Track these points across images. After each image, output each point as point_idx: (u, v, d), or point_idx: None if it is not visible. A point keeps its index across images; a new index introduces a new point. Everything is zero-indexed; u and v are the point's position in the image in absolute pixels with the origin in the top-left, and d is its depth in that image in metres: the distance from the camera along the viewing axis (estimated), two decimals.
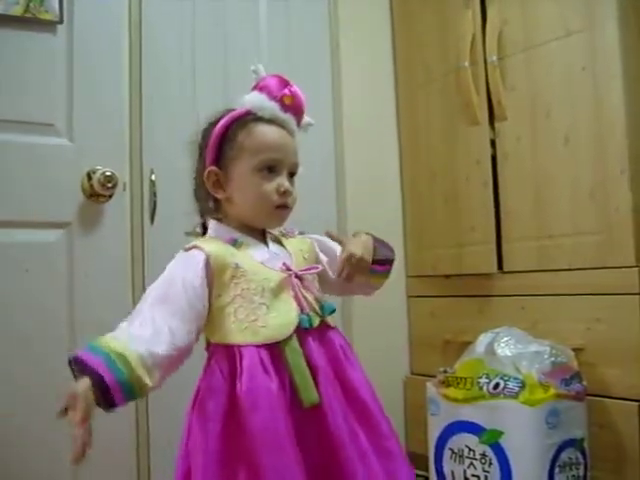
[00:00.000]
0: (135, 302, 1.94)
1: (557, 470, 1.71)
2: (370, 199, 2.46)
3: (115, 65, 1.98)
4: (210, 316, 1.20)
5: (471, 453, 1.80)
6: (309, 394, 1.16)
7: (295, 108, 1.30)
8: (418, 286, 2.51)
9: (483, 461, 1.77)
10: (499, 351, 1.84)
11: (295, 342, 1.19)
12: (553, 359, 1.82)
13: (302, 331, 1.20)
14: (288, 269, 1.24)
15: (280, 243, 1.33)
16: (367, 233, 1.35)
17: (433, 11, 2.44)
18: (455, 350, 2.14)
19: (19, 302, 1.78)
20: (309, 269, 1.28)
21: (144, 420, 1.97)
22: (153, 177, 2.01)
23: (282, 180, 1.25)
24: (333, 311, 1.28)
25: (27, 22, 1.82)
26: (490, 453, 1.75)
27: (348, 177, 2.44)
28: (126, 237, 1.98)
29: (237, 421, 1.13)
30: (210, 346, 1.23)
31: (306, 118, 1.34)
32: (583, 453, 1.78)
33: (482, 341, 1.91)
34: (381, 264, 1.35)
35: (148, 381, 1.08)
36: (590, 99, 1.95)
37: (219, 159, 1.28)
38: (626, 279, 1.84)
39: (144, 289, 1.94)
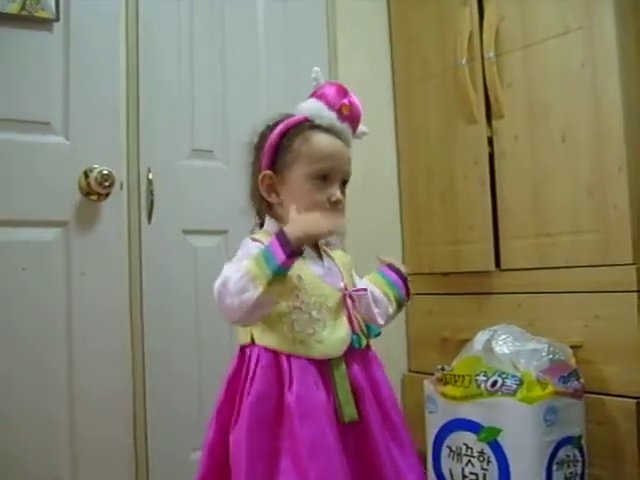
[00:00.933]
0: (132, 301, 1.98)
1: (555, 467, 1.71)
2: (368, 197, 2.44)
3: (112, 63, 1.97)
4: (265, 318, 1.22)
5: (469, 451, 1.80)
6: (350, 411, 1.20)
7: (352, 118, 1.32)
8: (416, 284, 2.45)
9: (481, 459, 1.77)
10: (497, 349, 1.84)
11: (342, 360, 1.23)
12: (551, 356, 1.82)
13: (348, 349, 1.25)
14: (345, 288, 1.29)
15: (328, 254, 1.36)
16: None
17: (430, 8, 2.43)
18: (453, 348, 2.14)
19: (16, 301, 1.78)
20: (360, 290, 1.33)
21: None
22: (150, 176, 2.01)
23: (334, 190, 1.28)
24: (379, 334, 1.33)
25: (23, 20, 1.81)
26: (488, 451, 1.75)
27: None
28: (123, 236, 1.97)
29: (285, 429, 1.17)
30: (253, 348, 1.24)
31: (361, 127, 1.38)
32: (581, 450, 1.78)
33: (480, 339, 1.91)
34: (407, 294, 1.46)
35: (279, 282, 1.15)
36: (588, 96, 1.94)
37: (274, 164, 1.30)
38: (624, 276, 1.84)
39: (141, 287, 1.98)
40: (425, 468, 1.97)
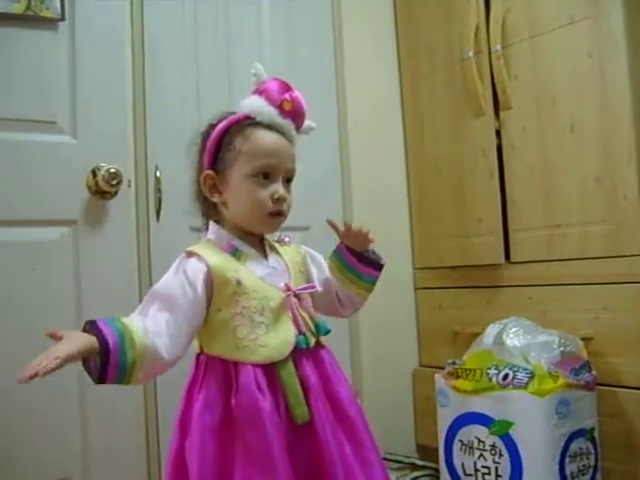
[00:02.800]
0: (142, 298, 1.96)
1: (568, 460, 1.70)
2: (376, 192, 2.45)
3: (117, 61, 1.98)
4: (209, 328, 1.22)
5: (481, 444, 1.79)
6: (301, 411, 1.18)
7: (295, 113, 1.28)
8: (425, 278, 2.50)
9: (493, 452, 1.76)
10: (508, 342, 1.83)
11: (289, 362, 1.21)
12: (562, 349, 1.81)
13: (296, 350, 1.22)
14: (288, 288, 1.25)
15: (276, 251, 1.33)
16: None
17: (436, 1, 2.42)
18: (464, 341, 2.14)
19: (27, 300, 1.78)
20: (307, 288, 1.29)
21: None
22: (158, 173, 2.01)
23: (277, 187, 1.25)
24: (328, 332, 1.29)
25: (28, 20, 1.82)
26: (500, 444, 1.75)
27: (353, 170, 2.43)
28: (132, 234, 1.97)
29: (232, 433, 1.16)
30: (203, 356, 1.24)
31: (307, 122, 1.33)
32: (594, 443, 1.78)
33: (490, 332, 1.91)
34: (374, 268, 1.37)
35: (140, 376, 1.13)
36: (596, 87, 1.93)
37: (216, 163, 1.27)
38: (634, 267, 1.83)
39: (151, 285, 1.95)
40: (436, 461, 1.97)
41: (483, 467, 1.79)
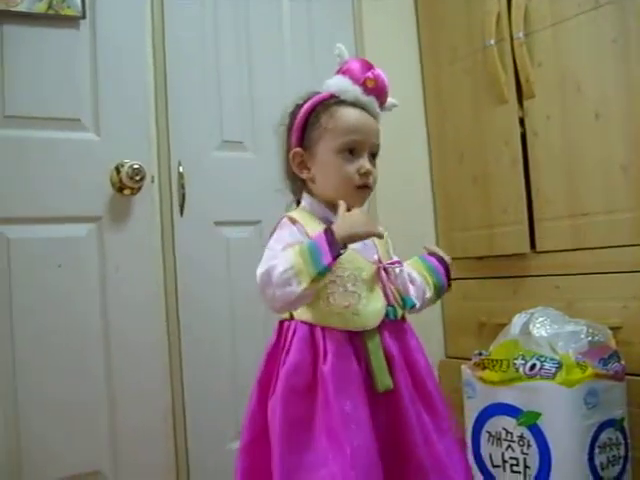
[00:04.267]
0: (167, 294, 1.99)
1: (597, 451, 1.68)
2: (399, 182, 2.43)
3: (139, 58, 1.99)
4: None
5: (509, 435, 1.78)
6: (385, 380, 1.22)
7: (378, 91, 1.34)
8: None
9: (521, 443, 1.75)
10: (535, 332, 1.82)
11: (376, 332, 1.26)
12: (590, 338, 1.79)
13: (382, 321, 1.27)
14: (380, 261, 1.31)
15: None
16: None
17: None
18: (490, 332, 2.12)
19: (52, 297, 1.80)
20: (394, 262, 1.35)
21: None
22: (181, 169, 2.02)
23: (363, 161, 1.30)
24: (414, 306, 1.35)
25: (50, 19, 1.83)
26: (528, 435, 1.74)
27: (377, 160, 2.41)
28: (156, 229, 1.99)
29: (319, 399, 1.20)
30: (291, 322, 1.28)
31: (390, 99, 1.40)
32: (623, 433, 1.76)
33: (517, 322, 1.89)
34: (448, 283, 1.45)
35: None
36: (620, 73, 1.90)
37: (303, 141, 1.33)
38: None
39: (175, 279, 2.00)
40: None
41: (511, 458, 1.78)
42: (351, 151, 1.30)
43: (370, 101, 1.33)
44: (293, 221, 1.29)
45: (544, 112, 2.11)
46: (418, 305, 1.38)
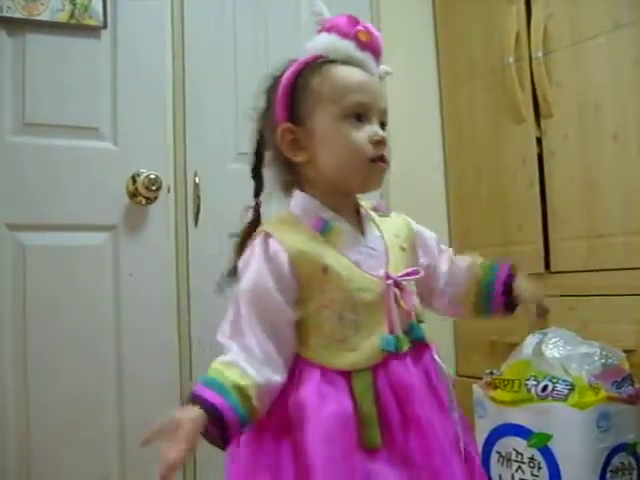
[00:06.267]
0: (180, 304, 1.99)
1: (609, 475, 1.66)
2: (415, 198, 2.43)
3: (158, 68, 2.00)
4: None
5: (519, 457, 1.76)
6: (373, 436, 0.97)
7: (373, 45, 1.08)
8: None
9: (532, 465, 1.73)
10: (547, 352, 1.80)
11: (368, 373, 0.99)
12: (603, 361, 1.77)
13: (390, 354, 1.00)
14: (388, 277, 1.03)
15: (375, 223, 1.11)
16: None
17: (476, 7, 2.41)
18: (502, 351, 2.11)
19: (67, 304, 1.82)
20: (409, 273, 1.06)
21: None
22: (197, 179, 2.02)
23: (375, 127, 1.04)
24: (419, 339, 1.07)
25: (72, 28, 1.86)
26: (539, 457, 1.72)
27: (392, 176, 2.39)
28: (171, 239, 1.99)
29: (284, 439, 0.97)
30: None
31: (383, 66, 1.13)
32: (636, 458, 1.73)
33: (530, 342, 1.87)
34: (505, 309, 1.23)
35: (257, 416, 0.95)
36: None
37: (293, 114, 1.05)
38: None
39: (188, 290, 1.99)
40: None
41: None
42: (357, 117, 1.02)
43: (366, 58, 1.07)
44: (266, 237, 1.01)
45: (562, 132, 2.10)
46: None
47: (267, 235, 1.01)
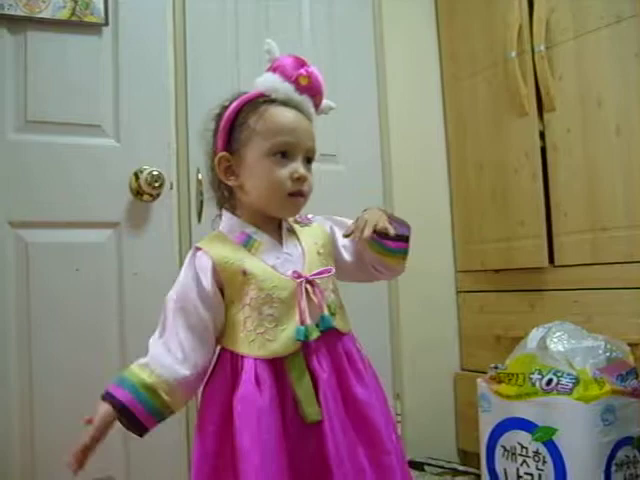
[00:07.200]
0: None
1: (614, 469, 1.66)
2: (417, 193, 2.43)
3: (160, 66, 2.00)
4: (224, 320, 1.19)
5: (524, 451, 1.76)
6: (311, 411, 1.12)
7: (312, 89, 1.21)
8: (467, 281, 2.47)
9: (537, 459, 1.73)
10: (552, 346, 1.80)
11: (299, 356, 1.14)
12: (608, 354, 1.77)
13: (309, 342, 1.15)
14: (298, 275, 1.17)
15: (295, 235, 1.25)
16: (380, 209, 1.27)
17: (479, 1, 2.40)
18: (506, 346, 2.11)
19: (71, 301, 1.81)
20: (321, 272, 1.19)
21: None
22: (200, 176, 2.02)
23: (297, 165, 1.18)
24: (328, 329, 1.17)
25: (73, 25, 1.85)
26: (544, 451, 1.72)
27: (395, 171, 2.42)
28: (174, 236, 1.99)
29: (229, 432, 1.12)
30: (219, 351, 1.21)
31: (326, 101, 1.26)
32: None
33: (534, 336, 1.87)
34: (395, 240, 1.23)
35: (175, 407, 1.15)
36: None
37: (230, 144, 1.21)
38: None
39: None
40: (477, 467, 1.94)
41: (526, 474, 1.76)
42: (283, 154, 1.17)
43: (304, 100, 1.20)
44: (196, 252, 1.19)
45: (565, 125, 2.10)
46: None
47: (196, 249, 1.19)
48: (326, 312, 1.18)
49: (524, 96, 2.18)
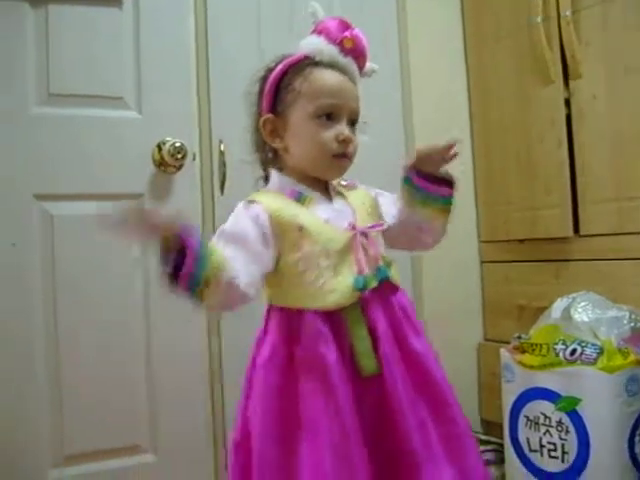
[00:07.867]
0: None
1: (637, 439, 1.66)
2: None
3: (182, 37, 2.00)
4: (276, 277, 1.17)
5: (547, 420, 1.77)
6: (369, 363, 1.13)
7: (356, 52, 1.22)
8: (491, 251, 2.46)
9: (560, 428, 1.73)
10: (576, 316, 1.79)
11: (357, 308, 1.15)
12: (633, 324, 1.76)
13: (366, 293, 1.15)
14: (353, 227, 1.18)
15: (342, 195, 1.26)
16: None
17: None
18: (530, 316, 2.10)
19: (95, 272, 1.85)
20: (374, 226, 1.21)
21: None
22: (222, 147, 2.02)
23: (342, 127, 1.19)
24: (385, 278, 1.19)
25: None
26: (567, 421, 1.72)
27: (417, 136, 2.39)
28: (197, 207, 2.00)
29: (295, 387, 1.11)
30: (270, 307, 1.20)
31: (369, 64, 1.27)
32: None
33: (558, 306, 1.86)
34: (446, 185, 1.23)
35: (213, 294, 1.06)
36: None
37: (275, 107, 1.22)
38: None
39: None
40: (500, 436, 1.95)
41: (549, 443, 1.76)
42: (328, 116, 1.18)
43: (348, 62, 1.21)
44: (250, 203, 1.17)
45: (591, 92, 2.06)
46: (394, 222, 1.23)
47: (249, 201, 1.17)
48: (382, 263, 1.20)
49: (549, 63, 2.14)
